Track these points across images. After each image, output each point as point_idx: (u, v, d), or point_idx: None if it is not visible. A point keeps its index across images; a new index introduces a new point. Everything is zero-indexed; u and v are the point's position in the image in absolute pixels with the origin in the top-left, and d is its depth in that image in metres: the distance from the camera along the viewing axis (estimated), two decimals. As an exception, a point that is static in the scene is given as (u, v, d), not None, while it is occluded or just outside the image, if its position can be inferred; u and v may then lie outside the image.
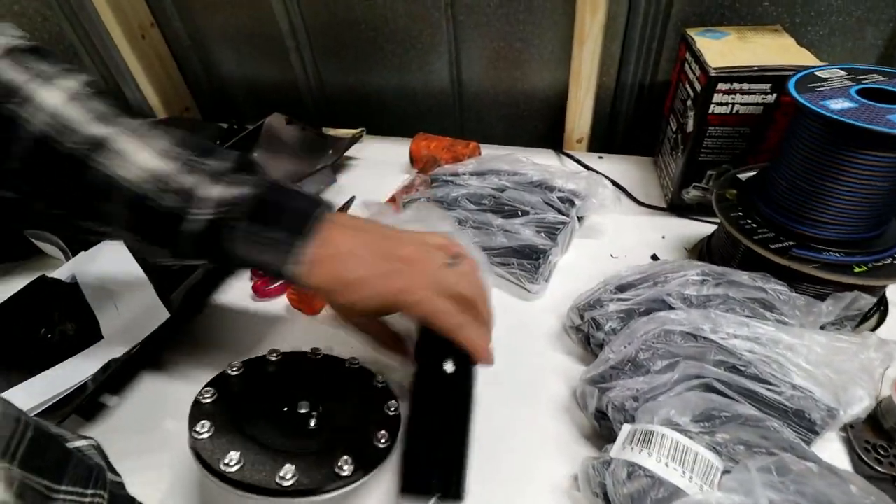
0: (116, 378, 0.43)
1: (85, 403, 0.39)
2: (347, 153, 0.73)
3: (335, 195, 0.70)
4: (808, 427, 0.31)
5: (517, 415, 0.39)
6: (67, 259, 0.54)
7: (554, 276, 0.50)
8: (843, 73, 0.38)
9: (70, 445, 0.27)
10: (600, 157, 0.71)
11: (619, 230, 0.56)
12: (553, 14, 0.70)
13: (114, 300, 0.49)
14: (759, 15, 0.62)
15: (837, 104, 0.34)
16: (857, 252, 0.36)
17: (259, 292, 0.51)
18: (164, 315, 0.46)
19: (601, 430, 0.36)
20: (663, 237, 0.54)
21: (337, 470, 0.29)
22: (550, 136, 0.78)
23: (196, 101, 0.97)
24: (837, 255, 0.36)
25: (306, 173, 0.65)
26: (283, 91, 0.89)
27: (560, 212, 0.52)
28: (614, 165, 0.68)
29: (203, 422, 0.31)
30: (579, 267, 0.51)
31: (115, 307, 0.49)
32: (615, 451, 0.30)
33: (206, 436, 0.31)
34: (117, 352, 0.43)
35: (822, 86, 0.37)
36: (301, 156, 0.73)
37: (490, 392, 0.40)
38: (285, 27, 0.79)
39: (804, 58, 0.48)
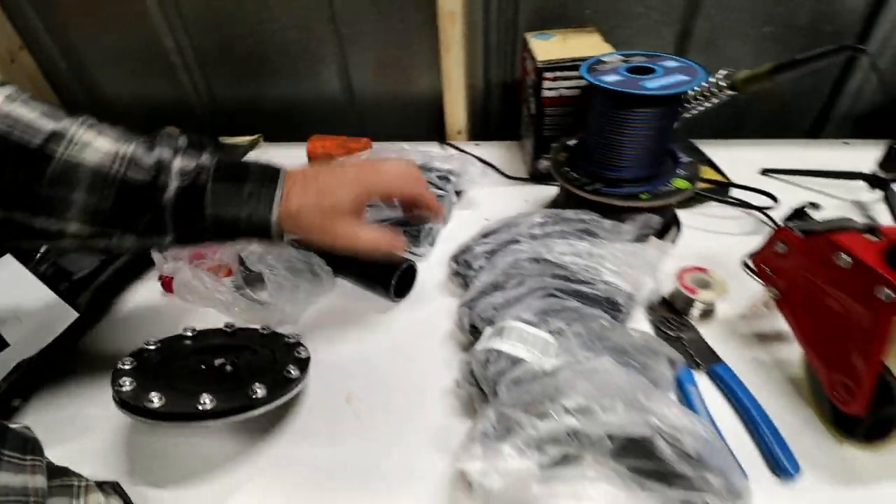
0: (28, 381, 0.44)
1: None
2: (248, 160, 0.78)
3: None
4: (616, 308, 0.43)
5: (414, 343, 0.47)
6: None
7: (440, 242, 0.60)
8: (621, 57, 0.52)
9: (7, 424, 0.30)
10: (477, 145, 0.82)
11: (491, 200, 0.67)
12: (423, 26, 0.80)
13: (15, 312, 0.50)
14: (584, 20, 0.77)
15: (611, 78, 0.47)
16: (643, 184, 0.50)
17: (168, 287, 0.54)
18: (71, 315, 0.48)
19: (476, 342, 0.45)
20: (526, 201, 0.66)
21: (250, 393, 0.35)
22: (436, 130, 0.89)
23: (80, 125, 0.94)
24: (630, 188, 0.49)
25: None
26: (174, 107, 0.90)
27: (438, 188, 0.62)
28: (489, 150, 0.79)
29: (124, 378, 0.35)
30: (459, 231, 0.60)
31: (17, 318, 0.49)
32: (479, 344, 0.39)
33: (128, 388, 0.34)
34: (26, 354, 0.44)
35: (604, 66, 0.50)
36: (200, 165, 0.76)
37: (390, 322, 0.49)
38: (170, 44, 0.82)
39: (606, 50, 0.62)
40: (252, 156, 0.79)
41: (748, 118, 0.83)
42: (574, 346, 0.37)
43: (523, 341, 0.38)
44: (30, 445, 0.30)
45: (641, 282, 0.44)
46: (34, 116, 0.31)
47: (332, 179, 0.38)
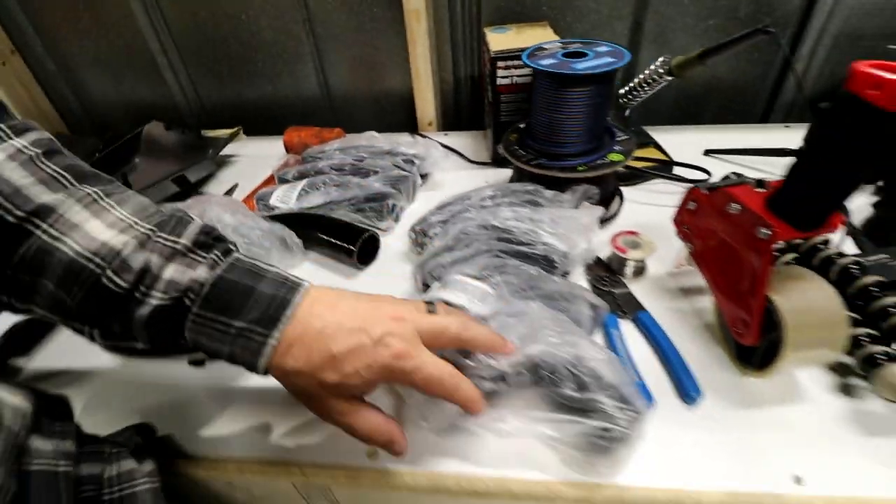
0: (27, 339, 0.49)
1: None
2: (229, 151, 0.83)
3: (219, 185, 0.79)
4: (552, 265, 0.48)
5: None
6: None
7: (404, 218, 0.65)
8: (560, 44, 0.57)
9: (43, 391, 0.33)
10: (446, 135, 0.87)
11: (455, 182, 0.72)
12: (392, 24, 0.86)
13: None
14: (541, 16, 0.83)
15: (547, 61, 0.52)
16: (582, 158, 0.55)
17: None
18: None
19: (429, 300, 0.50)
20: (487, 181, 0.71)
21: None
22: (408, 122, 0.94)
23: (67, 126, 0.99)
24: (569, 161, 0.54)
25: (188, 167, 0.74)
26: (161, 108, 0.96)
27: (403, 169, 0.67)
28: (457, 139, 0.85)
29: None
30: (422, 209, 0.65)
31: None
32: (425, 295, 0.44)
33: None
34: (18, 318, 0.49)
35: (544, 52, 0.55)
36: (183, 158, 0.80)
37: (357, 286, 0.54)
38: (155, 46, 0.87)
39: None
40: (230, 149, 0.83)
41: (704, 108, 0.88)
42: (507, 293, 0.42)
43: (464, 291, 0.43)
44: (60, 412, 0.33)
45: (576, 242, 0.48)
46: (27, 182, 0.27)
47: (353, 344, 0.29)
